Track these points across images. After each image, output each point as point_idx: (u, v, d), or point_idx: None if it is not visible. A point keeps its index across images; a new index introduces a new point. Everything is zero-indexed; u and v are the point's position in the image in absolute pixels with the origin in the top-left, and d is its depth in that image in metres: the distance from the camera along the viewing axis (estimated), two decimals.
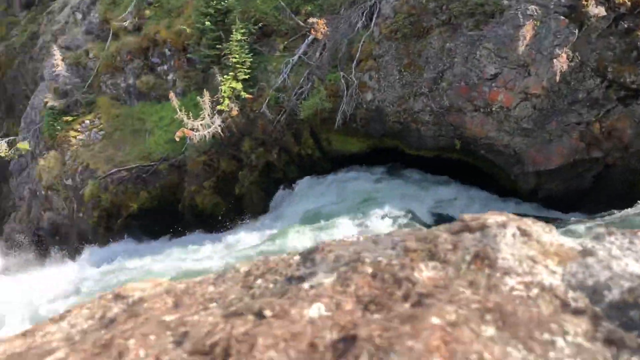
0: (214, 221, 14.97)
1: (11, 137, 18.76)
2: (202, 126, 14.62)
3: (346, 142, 14.62)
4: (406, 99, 13.27)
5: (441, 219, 12.09)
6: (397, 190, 13.43)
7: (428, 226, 11.39)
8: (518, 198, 12.77)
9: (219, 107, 14.69)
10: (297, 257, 1.40)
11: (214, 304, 1.25)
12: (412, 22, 13.07)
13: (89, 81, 17.38)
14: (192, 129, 14.50)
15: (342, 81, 13.80)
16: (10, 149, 17.42)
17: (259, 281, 1.32)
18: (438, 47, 12.74)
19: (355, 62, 13.82)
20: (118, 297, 1.39)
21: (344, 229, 11.98)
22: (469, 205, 12.56)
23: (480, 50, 12.12)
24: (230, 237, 13.27)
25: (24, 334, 1.29)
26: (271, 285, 1.29)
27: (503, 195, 12.84)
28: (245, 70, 14.84)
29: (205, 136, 14.68)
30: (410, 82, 13.19)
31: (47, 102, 16.86)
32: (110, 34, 17.90)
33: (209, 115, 14.72)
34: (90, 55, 17.85)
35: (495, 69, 11.95)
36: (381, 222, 11.94)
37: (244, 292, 1.29)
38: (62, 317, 1.33)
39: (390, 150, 14.30)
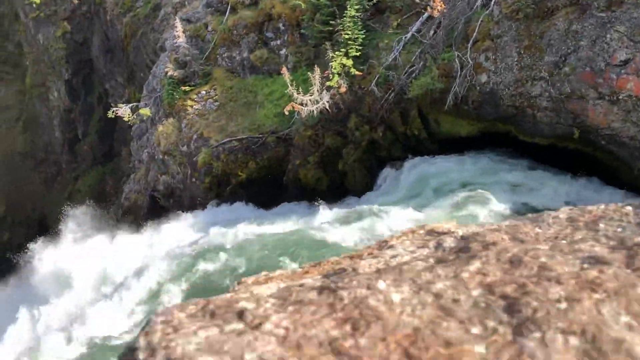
0: (316, 195, 15.26)
1: (133, 104, 20.06)
2: (311, 101, 14.86)
3: (455, 124, 14.28)
4: (523, 82, 12.70)
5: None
6: (497, 176, 12.92)
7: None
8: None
9: (328, 83, 14.83)
10: (629, 208, 1.49)
11: (564, 241, 1.35)
12: (535, 2, 12.41)
13: (207, 53, 18.16)
14: (301, 104, 14.78)
15: (456, 61, 13.44)
16: (133, 115, 18.68)
17: (602, 225, 1.41)
18: (563, 29, 12.02)
19: (471, 41, 13.38)
20: (432, 232, 1.55)
21: (445, 208, 11.73)
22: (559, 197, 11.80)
23: (610, 34, 11.29)
24: (332, 211, 13.44)
25: (348, 258, 1.45)
26: (619, 230, 1.37)
27: (623, 189, 11.98)
28: (357, 47, 14.83)
29: (312, 111, 14.92)
30: (529, 65, 12.58)
31: (167, 72, 17.83)
32: (228, 8, 18.51)
33: (317, 90, 14.92)
34: (209, 28, 18.60)
35: (627, 54, 11.09)
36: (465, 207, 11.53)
37: (589, 233, 1.38)
38: (385, 247, 1.49)
39: (501, 135, 13.79)
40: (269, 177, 16.44)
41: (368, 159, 15.01)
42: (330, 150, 15.49)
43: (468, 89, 13.42)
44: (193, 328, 1.10)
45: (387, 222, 11.22)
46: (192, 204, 16.69)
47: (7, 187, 32.08)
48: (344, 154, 15.22)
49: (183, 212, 16.14)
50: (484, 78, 13.25)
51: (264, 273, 1.45)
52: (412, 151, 14.65)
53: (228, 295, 1.24)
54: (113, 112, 18.63)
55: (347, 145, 15.18)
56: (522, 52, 12.66)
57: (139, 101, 20.47)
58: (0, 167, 32.56)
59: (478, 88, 13.35)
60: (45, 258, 16.06)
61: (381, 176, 14.44)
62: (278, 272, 1.47)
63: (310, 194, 15.47)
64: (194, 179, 16.76)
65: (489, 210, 11.16)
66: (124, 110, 18.38)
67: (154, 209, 17.79)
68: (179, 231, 14.08)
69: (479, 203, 11.53)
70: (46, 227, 29.96)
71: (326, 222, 12.11)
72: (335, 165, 15.42)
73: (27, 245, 17.91)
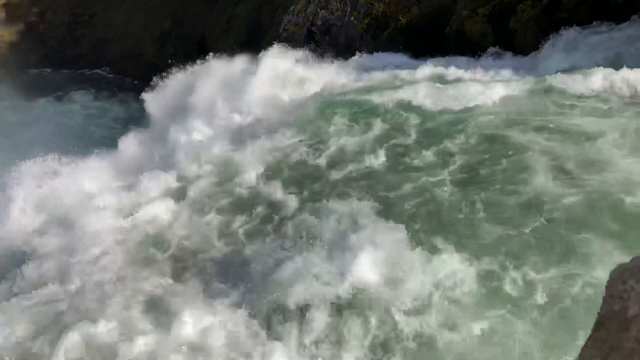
0: (479, 53, 14.32)
1: None
2: None
3: None
4: None
5: None
6: None
7: None
8: None
9: None
10: None
11: None
12: None
13: None
14: None
15: None
16: None
17: None
18: None
19: None
20: None
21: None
22: None
23: None
24: (495, 72, 12.57)
25: None
26: None
27: None
28: None
29: None
30: None
31: None
32: None
33: None
34: None
35: None
36: None
37: None
38: None
39: None
40: (430, 26, 15.58)
41: (545, 19, 13.51)
42: (504, 4, 14.14)
43: None
44: None
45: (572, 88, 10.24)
46: (346, 45, 16.47)
47: (173, 3, 33.68)
48: (518, 10, 13.84)
49: (337, 52, 15.96)
50: None
51: None
52: (598, 16, 12.92)
53: None
54: None
55: (524, 1, 13.73)
56: None
57: None
58: None
59: None
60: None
61: (558, 40, 12.98)
62: None
63: (472, 50, 14.52)
64: (352, 18, 16.35)
65: None
66: None
67: (310, 43, 17.81)
68: (337, 71, 14.01)
69: None
70: (205, 47, 31.54)
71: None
72: (506, 22, 14.13)
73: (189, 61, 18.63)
